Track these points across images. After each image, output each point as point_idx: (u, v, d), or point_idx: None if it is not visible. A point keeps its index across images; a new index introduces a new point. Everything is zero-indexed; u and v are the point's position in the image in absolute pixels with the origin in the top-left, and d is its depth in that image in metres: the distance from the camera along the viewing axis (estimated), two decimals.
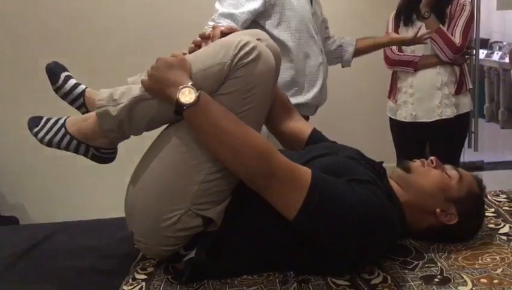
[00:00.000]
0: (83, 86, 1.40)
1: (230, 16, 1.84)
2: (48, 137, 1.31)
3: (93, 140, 1.31)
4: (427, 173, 1.35)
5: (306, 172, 1.17)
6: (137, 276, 1.31)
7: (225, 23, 1.81)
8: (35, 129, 1.32)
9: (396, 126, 2.74)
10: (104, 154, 1.35)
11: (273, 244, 1.24)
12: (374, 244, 1.19)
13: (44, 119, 1.33)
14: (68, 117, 1.33)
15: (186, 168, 1.22)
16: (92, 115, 1.31)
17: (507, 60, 5.67)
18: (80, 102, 1.39)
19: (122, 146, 1.38)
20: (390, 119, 2.78)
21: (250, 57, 1.22)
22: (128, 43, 3.33)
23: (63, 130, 1.31)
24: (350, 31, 3.72)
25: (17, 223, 3.37)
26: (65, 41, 3.41)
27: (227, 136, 1.17)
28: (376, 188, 1.21)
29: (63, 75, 1.39)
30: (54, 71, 1.39)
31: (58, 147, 1.32)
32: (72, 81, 1.39)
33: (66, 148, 1.32)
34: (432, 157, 1.38)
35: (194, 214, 1.21)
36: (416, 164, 1.38)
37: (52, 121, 1.33)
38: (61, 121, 1.32)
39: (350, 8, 3.67)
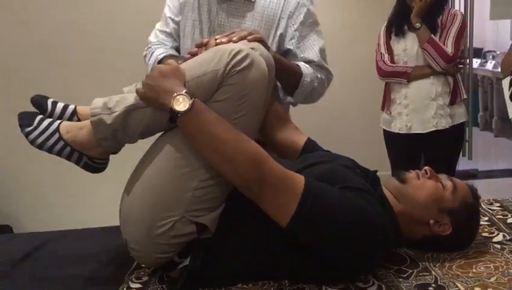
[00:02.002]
0: (72, 106, 1.40)
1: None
2: (40, 140, 1.29)
3: (87, 149, 1.31)
4: (422, 185, 1.35)
5: (299, 179, 1.18)
6: (132, 285, 1.30)
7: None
8: (28, 129, 1.30)
9: (391, 138, 2.74)
10: (96, 164, 1.35)
11: (267, 251, 1.24)
12: (367, 250, 1.19)
13: (37, 119, 1.31)
14: (62, 122, 1.33)
15: (180, 175, 1.22)
16: (87, 123, 1.30)
17: (500, 69, 5.71)
18: (75, 121, 1.38)
19: (118, 154, 1.38)
20: (385, 131, 2.78)
21: (243, 65, 1.23)
22: (123, 53, 3.34)
23: (56, 135, 1.30)
24: (343, 43, 3.77)
25: (11, 232, 3.35)
26: (62, 48, 3.42)
27: (221, 143, 1.18)
28: (369, 195, 1.22)
29: (49, 101, 1.38)
30: (39, 102, 1.37)
31: (50, 151, 1.31)
32: (60, 105, 1.38)
33: (58, 154, 1.31)
34: (426, 168, 1.38)
35: (188, 221, 1.21)
36: (411, 175, 1.38)
37: (45, 123, 1.31)
38: (55, 125, 1.31)
39: (342, 20, 3.70)
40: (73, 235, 1.71)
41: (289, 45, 1.75)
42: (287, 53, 1.76)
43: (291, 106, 1.88)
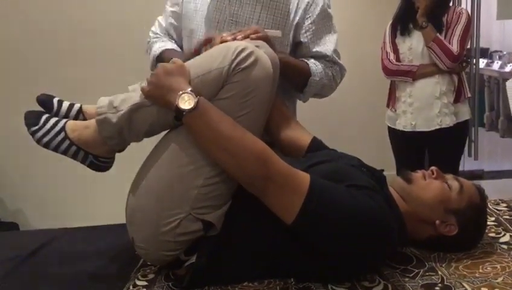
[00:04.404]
0: (78, 105, 1.40)
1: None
2: (46, 139, 1.30)
3: (93, 148, 1.31)
4: (428, 186, 1.34)
5: (304, 176, 1.18)
6: (138, 283, 1.30)
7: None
8: (34, 128, 1.30)
9: (396, 135, 2.76)
10: (101, 163, 1.36)
11: (273, 249, 1.24)
12: (372, 248, 1.19)
13: (43, 119, 1.32)
14: (68, 121, 1.33)
15: (185, 172, 1.23)
16: (92, 122, 1.31)
17: (507, 69, 5.70)
18: (80, 119, 1.38)
19: (123, 152, 1.38)
20: (389, 128, 2.80)
21: (248, 62, 1.24)
22: (129, 50, 3.35)
23: (62, 134, 1.30)
24: (348, 41, 3.76)
25: (17, 229, 3.37)
26: (67, 47, 3.43)
27: (226, 141, 1.18)
28: (375, 193, 1.22)
29: (55, 100, 1.38)
30: (44, 101, 1.38)
31: (56, 150, 1.31)
32: (66, 103, 1.39)
33: (64, 153, 1.31)
34: (433, 168, 1.38)
35: (194, 219, 1.21)
36: (418, 175, 1.37)
37: (51, 122, 1.31)
38: (61, 124, 1.31)
39: (348, 18, 3.69)
40: (79, 233, 1.71)
41: (303, 37, 1.68)
42: (300, 45, 1.71)
43: (297, 105, 1.87)
